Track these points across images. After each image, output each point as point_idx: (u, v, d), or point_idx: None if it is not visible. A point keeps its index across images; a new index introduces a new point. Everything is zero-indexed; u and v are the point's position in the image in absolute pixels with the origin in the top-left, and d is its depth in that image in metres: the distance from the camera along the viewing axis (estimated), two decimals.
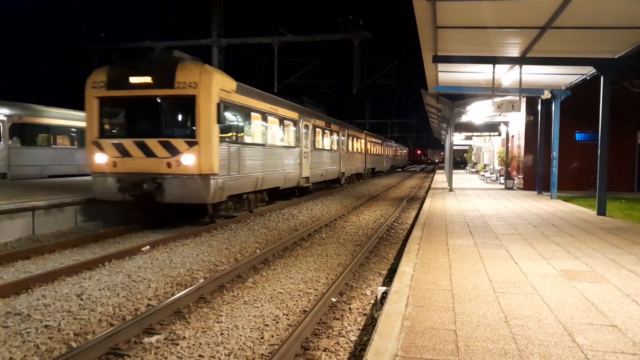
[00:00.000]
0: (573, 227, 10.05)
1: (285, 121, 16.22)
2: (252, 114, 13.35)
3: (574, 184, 19.88)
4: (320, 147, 21.30)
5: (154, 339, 4.85)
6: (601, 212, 11.97)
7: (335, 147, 24.20)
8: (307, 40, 24.96)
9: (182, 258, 8.33)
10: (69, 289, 6.38)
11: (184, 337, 4.88)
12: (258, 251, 9.03)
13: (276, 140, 15.54)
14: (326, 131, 22.36)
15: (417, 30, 10.08)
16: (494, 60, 12.38)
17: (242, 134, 12.78)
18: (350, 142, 27.88)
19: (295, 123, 17.41)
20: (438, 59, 12.32)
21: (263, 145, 14.10)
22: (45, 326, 5.07)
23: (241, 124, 12.80)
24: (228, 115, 11.70)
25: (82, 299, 5.96)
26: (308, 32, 24.87)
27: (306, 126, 18.71)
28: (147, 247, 8.99)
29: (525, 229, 9.66)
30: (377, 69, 32.92)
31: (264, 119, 14.23)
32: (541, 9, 8.76)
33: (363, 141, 32.52)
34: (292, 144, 17.14)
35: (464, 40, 11.16)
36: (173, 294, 6.31)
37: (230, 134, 11.93)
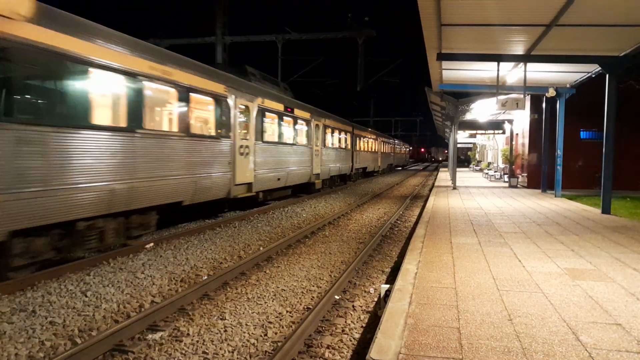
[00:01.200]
0: (577, 225, 10.01)
1: (192, 95, 10.22)
2: (92, 70, 7.34)
3: (579, 183, 19.81)
4: (275, 140, 15.25)
5: (157, 335, 4.87)
6: (606, 210, 11.92)
7: (302, 141, 18.35)
8: (311, 38, 24.99)
9: (186, 255, 8.35)
10: (74, 285, 6.41)
11: (188, 334, 4.89)
12: (262, 248, 9.05)
13: (168, 123, 10.01)
14: (286, 118, 16.25)
15: (422, 28, 10.06)
16: (498, 58, 12.34)
17: (52, 106, 6.76)
18: (328, 135, 22.09)
19: (220, 101, 11.50)
20: (442, 57, 12.30)
21: (131, 131, 8.19)
22: (50, 322, 5.10)
23: (48, 85, 6.84)
24: None
25: (86, 296, 5.99)
26: (312, 30, 24.87)
27: (245, 108, 12.92)
28: (151, 244, 9.02)
29: (529, 228, 9.63)
30: (382, 67, 32.87)
31: (133, 83, 8.24)
32: (546, 6, 8.72)
33: (349, 135, 26.88)
34: (213, 133, 11.29)
35: (469, 38, 11.13)
36: (177, 291, 6.33)
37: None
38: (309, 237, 10.41)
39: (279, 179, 15.55)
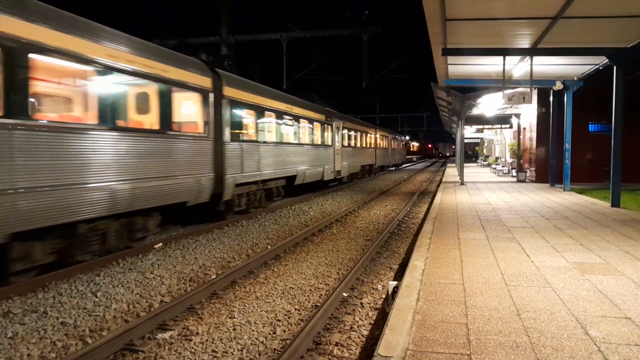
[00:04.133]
0: (586, 219, 9.94)
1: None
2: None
3: (588, 176, 19.64)
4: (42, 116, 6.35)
5: (167, 334, 4.91)
6: (615, 204, 11.82)
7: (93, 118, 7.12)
8: (316, 36, 24.96)
9: (195, 255, 8.40)
10: (84, 286, 6.48)
11: (197, 333, 4.93)
12: (269, 247, 9.08)
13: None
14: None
15: (426, 23, 10.02)
16: (504, 52, 12.25)
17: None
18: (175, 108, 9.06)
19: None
20: (447, 52, 12.23)
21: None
22: (62, 323, 5.16)
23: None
24: None
25: (97, 296, 6.05)
26: (317, 27, 24.84)
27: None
28: (160, 244, 9.08)
29: (537, 222, 9.58)
30: (387, 63, 32.69)
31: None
32: None
33: (252, 116, 12.67)
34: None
35: (474, 32, 11.06)
36: (186, 290, 6.38)
37: None
38: (317, 235, 10.43)
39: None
